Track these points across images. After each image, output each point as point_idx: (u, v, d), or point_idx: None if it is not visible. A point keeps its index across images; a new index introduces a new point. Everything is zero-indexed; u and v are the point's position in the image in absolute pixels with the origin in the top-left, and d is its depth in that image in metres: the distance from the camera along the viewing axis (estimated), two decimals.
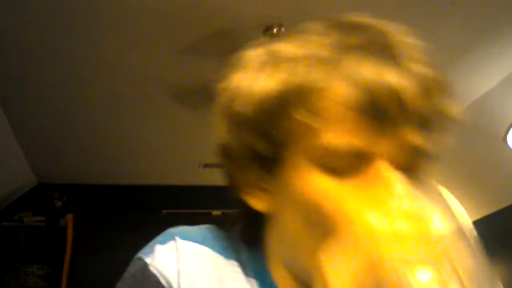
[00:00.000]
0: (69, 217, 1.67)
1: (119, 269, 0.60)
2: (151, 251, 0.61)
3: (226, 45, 2.80)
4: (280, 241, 0.58)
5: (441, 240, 0.43)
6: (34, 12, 2.45)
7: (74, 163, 4.56)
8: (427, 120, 0.52)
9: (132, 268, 0.61)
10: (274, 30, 2.66)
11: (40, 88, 3.20)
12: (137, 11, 2.50)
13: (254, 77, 0.53)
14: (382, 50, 0.53)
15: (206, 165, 4.76)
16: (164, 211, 5.06)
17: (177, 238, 0.62)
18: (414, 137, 0.51)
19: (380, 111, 0.48)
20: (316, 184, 0.50)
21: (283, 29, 2.66)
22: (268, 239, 0.61)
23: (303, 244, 0.53)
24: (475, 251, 0.48)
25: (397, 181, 0.48)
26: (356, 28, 0.59)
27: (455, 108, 0.56)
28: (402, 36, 0.59)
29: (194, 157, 4.58)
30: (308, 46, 0.53)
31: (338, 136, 0.49)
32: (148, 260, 0.59)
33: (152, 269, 0.58)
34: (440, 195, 0.51)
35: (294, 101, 0.50)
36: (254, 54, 0.56)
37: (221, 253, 0.62)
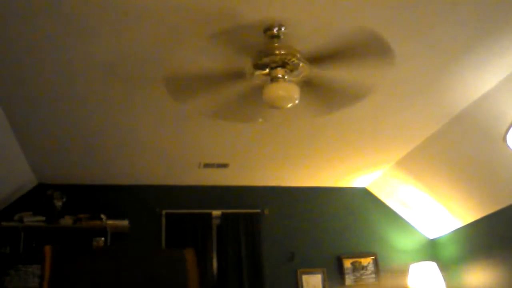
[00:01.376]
0: (47, 249, 1.73)
1: None
2: None
3: (227, 45, 2.80)
4: None
5: None
6: (34, 13, 2.45)
7: (74, 164, 4.56)
8: None
9: None
10: (274, 30, 2.66)
11: (40, 88, 3.20)
12: (136, 12, 2.50)
13: None
14: None
15: (206, 165, 4.77)
16: (164, 211, 5.07)
17: None
18: None
19: None
20: None
21: (283, 29, 2.66)
22: None
23: None
24: None
25: None
26: None
27: None
28: None
29: (194, 157, 4.59)
30: None
31: None
32: None
33: None
34: None
35: None
36: None
37: None
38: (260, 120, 3.66)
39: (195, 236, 4.96)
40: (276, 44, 2.68)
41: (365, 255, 5.35)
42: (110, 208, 4.87)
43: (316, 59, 2.79)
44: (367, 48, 2.83)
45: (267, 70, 2.76)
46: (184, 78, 3.06)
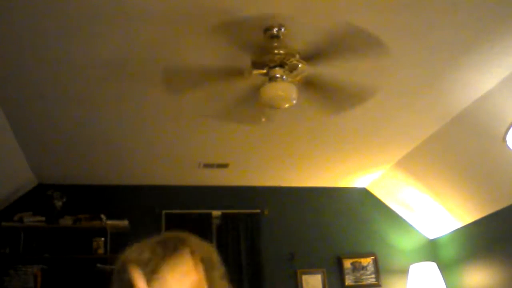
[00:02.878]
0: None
1: None
2: None
3: (226, 45, 2.80)
4: None
5: None
6: (34, 13, 2.45)
7: (74, 164, 4.56)
8: None
9: None
10: (274, 30, 2.66)
11: (40, 88, 3.20)
12: (136, 12, 2.50)
13: None
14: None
15: (206, 165, 4.76)
16: (164, 211, 5.07)
17: None
18: None
19: None
20: None
21: (283, 29, 2.66)
22: None
23: None
24: None
25: None
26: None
27: None
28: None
29: (194, 157, 4.59)
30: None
31: None
32: None
33: None
34: None
35: None
36: None
37: None
38: (263, 119, 3.65)
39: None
40: (275, 44, 2.68)
41: (365, 255, 5.35)
42: (110, 208, 4.87)
43: (312, 57, 2.79)
44: (356, 42, 2.82)
45: (265, 70, 2.76)
46: (183, 75, 3.05)
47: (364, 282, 5.23)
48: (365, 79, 3.25)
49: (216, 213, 5.15)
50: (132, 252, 1.01)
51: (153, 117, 3.72)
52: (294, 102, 2.75)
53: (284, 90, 2.70)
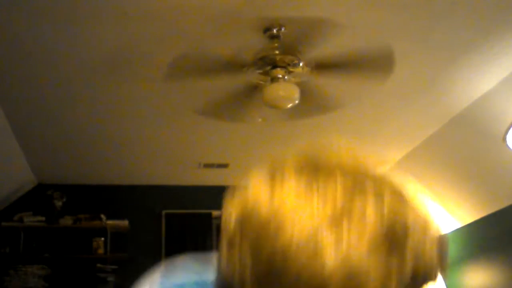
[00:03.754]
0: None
1: None
2: None
3: (227, 45, 2.80)
4: None
5: None
6: (34, 13, 2.45)
7: (74, 164, 4.56)
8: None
9: None
10: (274, 30, 2.65)
11: (40, 88, 3.20)
12: (137, 12, 2.50)
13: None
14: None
15: (206, 165, 4.76)
16: (164, 211, 5.07)
17: None
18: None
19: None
20: None
21: (283, 29, 2.66)
22: None
23: None
24: None
25: None
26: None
27: None
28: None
29: (194, 157, 4.58)
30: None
31: None
32: None
33: None
34: None
35: None
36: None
37: None
38: (260, 120, 3.66)
39: (195, 236, 4.96)
40: (276, 44, 2.68)
41: None
42: (110, 208, 4.87)
43: (317, 67, 2.79)
44: (372, 62, 2.84)
45: (267, 71, 2.76)
46: (189, 61, 3.01)
47: None
48: (365, 79, 3.25)
49: (216, 213, 5.15)
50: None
51: (153, 117, 3.72)
52: (297, 102, 2.75)
53: (285, 91, 2.70)
